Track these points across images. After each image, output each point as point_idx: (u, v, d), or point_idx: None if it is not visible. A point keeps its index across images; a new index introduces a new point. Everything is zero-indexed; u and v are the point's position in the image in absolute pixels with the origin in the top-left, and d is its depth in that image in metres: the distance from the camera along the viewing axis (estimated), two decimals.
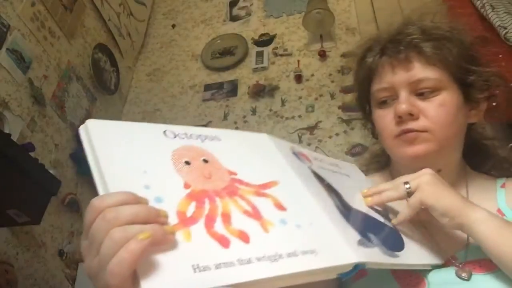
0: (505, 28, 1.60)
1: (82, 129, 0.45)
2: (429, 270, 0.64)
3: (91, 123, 0.45)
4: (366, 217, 0.61)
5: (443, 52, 0.73)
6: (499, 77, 0.78)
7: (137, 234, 0.36)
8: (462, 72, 0.74)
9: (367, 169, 0.91)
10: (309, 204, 0.52)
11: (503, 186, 0.77)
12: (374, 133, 0.87)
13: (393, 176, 0.82)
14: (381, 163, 0.90)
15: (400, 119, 0.72)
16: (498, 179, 0.79)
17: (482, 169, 0.82)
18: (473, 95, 0.76)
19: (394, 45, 0.75)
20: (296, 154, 0.65)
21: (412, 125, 0.71)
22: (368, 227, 0.57)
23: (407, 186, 0.62)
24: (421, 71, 0.72)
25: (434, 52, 0.72)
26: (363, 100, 0.85)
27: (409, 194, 0.61)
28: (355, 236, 0.52)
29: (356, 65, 0.84)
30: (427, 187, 0.61)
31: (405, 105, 0.71)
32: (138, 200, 0.40)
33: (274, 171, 0.55)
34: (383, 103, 0.76)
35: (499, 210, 0.72)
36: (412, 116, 0.71)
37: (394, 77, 0.74)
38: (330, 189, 0.61)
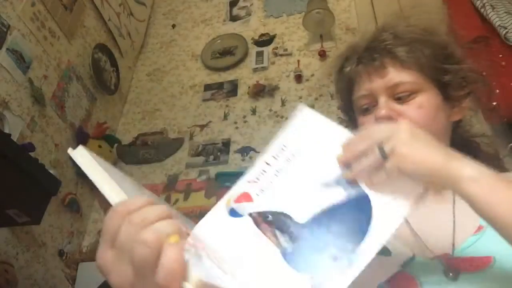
0: (505, 28, 1.60)
1: (74, 154, 0.45)
2: (419, 270, 0.63)
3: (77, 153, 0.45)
4: (328, 216, 0.52)
5: (416, 54, 0.75)
6: (475, 73, 0.79)
7: (168, 234, 0.36)
8: (437, 73, 0.76)
9: None
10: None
11: None
12: None
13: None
14: None
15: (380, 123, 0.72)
16: None
17: None
18: (451, 93, 0.77)
19: (369, 52, 0.77)
20: (235, 211, 0.55)
21: None
22: (325, 243, 0.49)
23: (382, 149, 0.52)
24: (396, 76, 0.74)
25: (407, 56, 0.74)
26: (347, 109, 0.87)
27: (385, 157, 0.52)
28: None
29: (336, 75, 0.86)
30: (403, 149, 0.51)
31: (384, 110, 0.72)
32: (156, 203, 0.40)
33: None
34: (365, 110, 0.78)
35: None
36: (392, 119, 0.72)
37: (371, 84, 0.76)
38: (273, 224, 0.52)
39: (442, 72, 0.76)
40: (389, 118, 0.72)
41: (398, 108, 0.73)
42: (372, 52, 0.77)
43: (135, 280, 0.35)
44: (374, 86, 0.75)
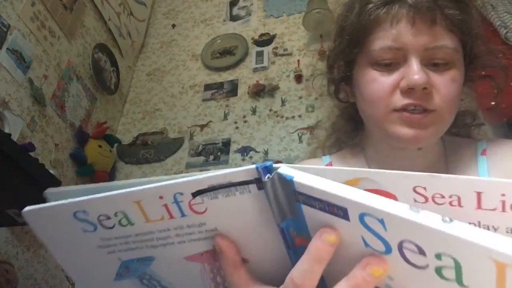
0: (506, 27, 1.60)
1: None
2: None
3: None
4: None
5: (466, 18, 0.61)
6: (495, 55, 0.69)
7: None
8: (472, 46, 0.64)
9: (329, 146, 0.82)
10: None
11: (483, 153, 0.70)
12: (344, 95, 0.74)
13: (367, 154, 0.74)
14: (349, 137, 0.78)
15: (410, 91, 0.60)
16: (479, 142, 0.72)
17: (452, 130, 0.73)
18: (471, 73, 0.67)
19: None
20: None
21: (423, 102, 0.60)
22: None
23: None
24: (443, 37, 0.60)
25: (457, 17, 0.60)
26: (345, 55, 0.69)
27: None
28: None
29: (352, 9, 0.66)
30: None
31: (421, 77, 0.59)
32: None
33: None
34: (384, 66, 0.63)
35: None
36: (425, 90, 0.60)
37: (412, 37, 0.60)
38: None
39: (475, 47, 0.65)
40: (424, 88, 0.59)
41: (433, 77, 0.60)
42: None
43: None
44: (414, 41, 0.60)
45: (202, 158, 2.21)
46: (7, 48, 1.72)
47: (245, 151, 2.18)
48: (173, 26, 2.86)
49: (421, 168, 0.70)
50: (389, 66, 0.62)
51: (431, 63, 0.61)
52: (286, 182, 0.32)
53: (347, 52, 0.68)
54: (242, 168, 0.32)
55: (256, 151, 2.16)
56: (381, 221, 0.29)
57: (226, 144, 2.23)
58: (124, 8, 2.61)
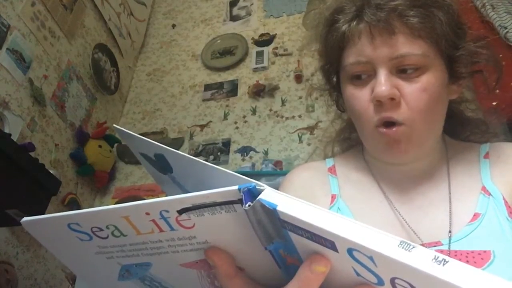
0: (506, 28, 1.59)
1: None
2: None
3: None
4: None
5: (432, 22, 0.61)
6: (486, 49, 0.67)
7: None
8: (450, 46, 0.64)
9: (334, 149, 0.84)
10: None
11: (486, 156, 0.70)
12: (340, 106, 0.78)
13: (366, 157, 0.75)
14: (350, 139, 0.81)
15: (379, 103, 0.61)
16: (482, 145, 0.72)
17: (461, 136, 0.75)
18: (458, 69, 0.66)
19: (373, 10, 0.61)
20: None
21: (392, 113, 0.61)
22: None
23: None
24: (405, 46, 0.60)
25: (421, 23, 0.60)
26: (330, 70, 0.72)
27: None
28: None
29: (324, 28, 0.70)
30: None
31: (386, 88, 0.60)
32: None
33: None
34: (356, 78, 0.65)
35: (483, 188, 0.66)
36: (393, 100, 0.61)
37: (373, 51, 0.61)
38: None
39: (455, 46, 0.64)
40: (391, 99, 0.60)
41: (401, 85, 0.61)
42: (378, 10, 0.61)
43: None
44: (376, 54, 0.61)
45: (202, 158, 2.21)
46: (7, 48, 1.72)
47: (245, 151, 2.18)
48: (173, 26, 2.86)
49: (421, 172, 0.70)
50: (362, 80, 0.64)
51: (401, 70, 0.62)
52: (270, 211, 0.30)
53: (329, 69, 0.72)
54: (224, 189, 0.30)
55: (256, 151, 2.16)
56: (371, 258, 0.27)
57: (226, 144, 2.23)
58: (124, 8, 2.61)
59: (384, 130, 0.63)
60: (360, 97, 0.64)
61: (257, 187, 0.30)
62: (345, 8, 0.66)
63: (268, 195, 0.30)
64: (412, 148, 0.64)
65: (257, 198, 0.30)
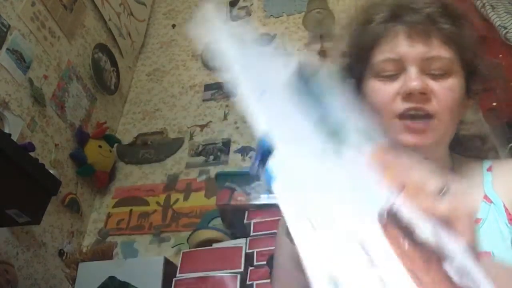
0: (505, 28, 1.59)
1: None
2: None
3: None
4: None
5: (461, 32, 0.65)
6: (497, 67, 0.72)
7: None
8: (471, 59, 0.67)
9: None
10: None
11: (489, 169, 0.72)
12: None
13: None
14: None
15: (409, 96, 0.63)
16: (484, 161, 0.74)
17: (457, 150, 0.76)
18: (473, 86, 0.69)
19: (410, 13, 0.66)
20: None
21: (423, 104, 0.63)
22: None
23: None
24: (438, 48, 0.64)
25: (452, 31, 0.65)
26: (354, 69, 0.73)
27: None
28: None
29: (357, 28, 0.72)
30: None
31: (418, 82, 0.62)
32: None
33: None
34: (384, 75, 0.67)
35: (485, 197, 0.67)
36: (424, 95, 0.63)
37: (408, 49, 0.65)
38: None
39: (475, 60, 0.68)
40: (422, 93, 0.63)
41: (431, 84, 0.63)
42: (414, 14, 0.65)
43: None
44: (409, 52, 0.64)
45: (202, 158, 2.21)
46: (7, 48, 1.72)
47: (245, 151, 2.18)
48: (173, 26, 2.86)
49: None
50: (391, 77, 0.66)
51: (429, 73, 0.65)
52: None
53: (354, 69, 0.73)
54: None
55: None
56: None
57: (226, 144, 2.23)
58: (124, 8, 2.61)
59: (410, 123, 0.64)
60: (385, 90, 0.66)
61: None
62: (380, 10, 0.69)
63: None
64: (436, 141, 0.65)
65: None
